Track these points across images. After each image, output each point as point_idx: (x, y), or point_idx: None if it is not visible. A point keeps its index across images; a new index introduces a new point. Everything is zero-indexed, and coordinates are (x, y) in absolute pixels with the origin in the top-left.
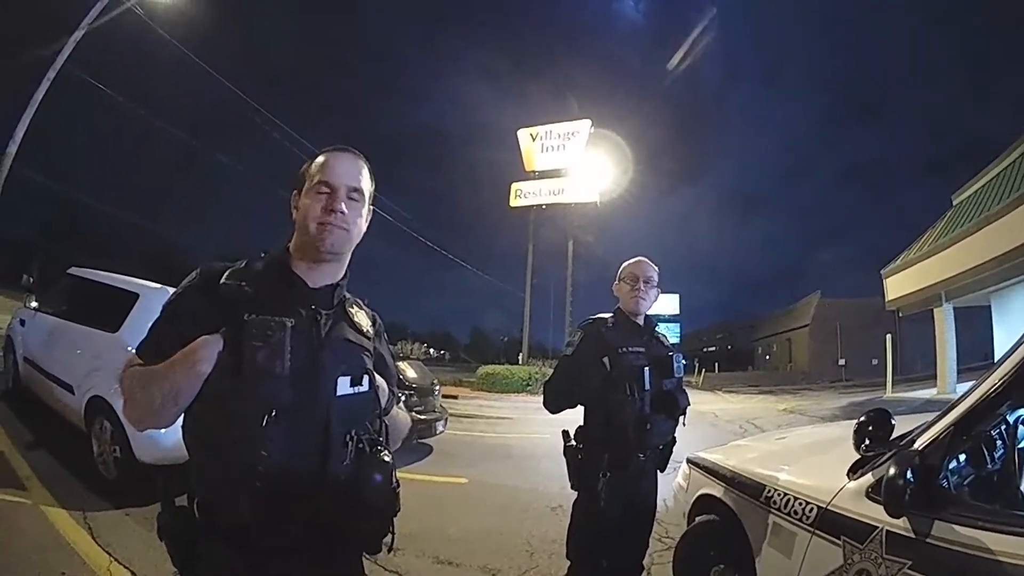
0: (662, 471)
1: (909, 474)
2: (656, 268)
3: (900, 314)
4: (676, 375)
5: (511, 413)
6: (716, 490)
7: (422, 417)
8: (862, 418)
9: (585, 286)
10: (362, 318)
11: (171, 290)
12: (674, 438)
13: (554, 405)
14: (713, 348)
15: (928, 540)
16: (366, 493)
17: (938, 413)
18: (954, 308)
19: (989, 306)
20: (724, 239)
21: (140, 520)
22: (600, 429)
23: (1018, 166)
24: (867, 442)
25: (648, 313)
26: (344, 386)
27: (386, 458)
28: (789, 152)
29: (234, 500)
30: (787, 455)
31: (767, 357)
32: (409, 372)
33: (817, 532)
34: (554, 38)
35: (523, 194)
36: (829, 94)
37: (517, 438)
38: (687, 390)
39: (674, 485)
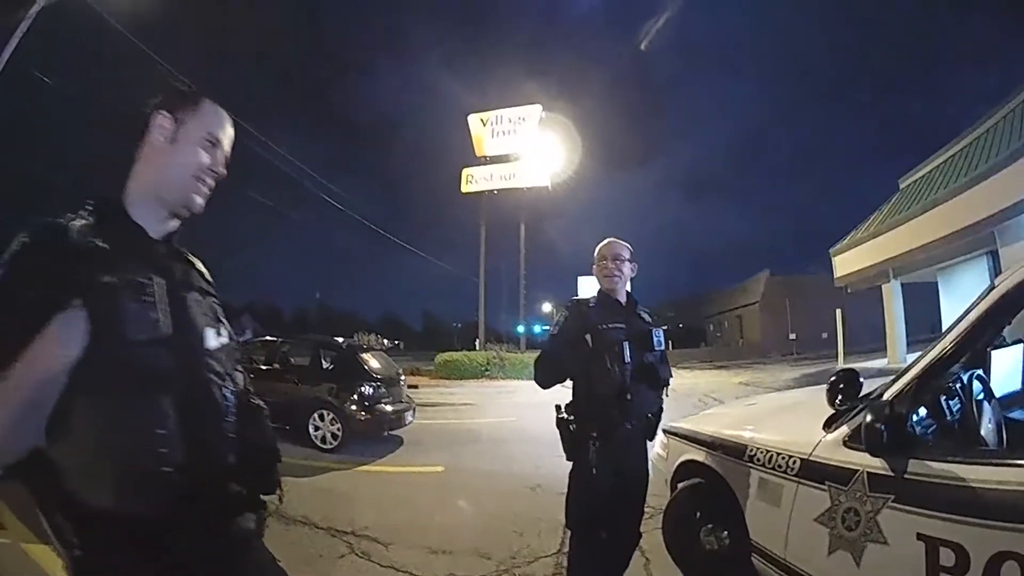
0: (650, 440)
1: (882, 420)
2: (627, 245)
3: (848, 290)
4: (657, 348)
5: (474, 399)
6: (698, 455)
7: (391, 408)
8: (833, 377)
9: (539, 269)
10: (202, 267)
11: None
12: (660, 408)
13: (544, 381)
14: (665, 327)
15: (906, 476)
16: (255, 440)
17: (901, 371)
18: (902, 284)
19: (936, 282)
20: (676, 219)
21: None
22: (587, 402)
23: (965, 154)
24: (839, 398)
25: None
26: (211, 339)
27: (261, 403)
28: (743, 135)
29: (143, 490)
30: (762, 418)
31: (719, 334)
32: (373, 363)
33: (803, 481)
34: (506, 20)
35: (474, 180)
36: (786, 80)
37: (484, 423)
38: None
39: (652, 455)
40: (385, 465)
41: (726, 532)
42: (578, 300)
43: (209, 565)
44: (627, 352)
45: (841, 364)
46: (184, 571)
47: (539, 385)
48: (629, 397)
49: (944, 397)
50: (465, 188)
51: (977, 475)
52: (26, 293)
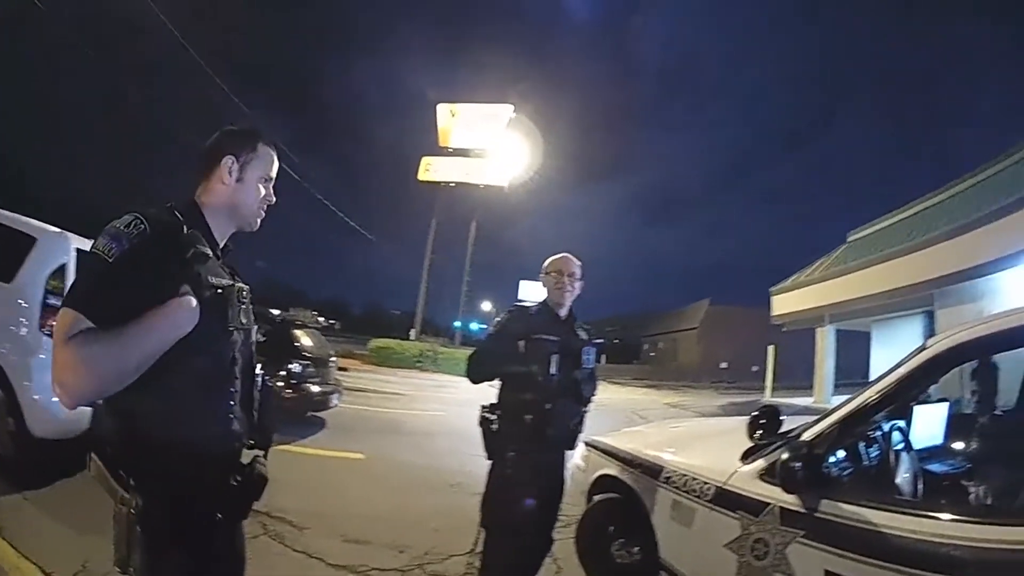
0: (569, 450)
1: (800, 458)
2: (580, 263)
3: (784, 328)
4: (585, 367)
5: (404, 389)
6: (616, 471)
7: (318, 389)
8: (755, 412)
9: (483, 269)
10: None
11: (72, 236)
12: (581, 420)
13: (475, 377)
14: (602, 340)
15: (817, 514)
16: (271, 411)
17: (823, 414)
18: (836, 330)
19: (869, 332)
20: (630, 239)
21: (40, 504)
22: (511, 406)
23: (914, 220)
24: (759, 432)
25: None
26: (255, 334)
27: (268, 382)
28: (706, 170)
29: (216, 452)
30: (682, 441)
31: (653, 353)
32: (305, 340)
33: (716, 508)
34: (492, 20)
35: (433, 169)
36: (756, 122)
37: (412, 415)
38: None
39: (571, 466)
40: (306, 447)
41: (637, 548)
42: (521, 306)
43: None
44: (554, 365)
45: (768, 398)
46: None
47: (469, 379)
48: (549, 407)
49: (863, 444)
50: (422, 176)
51: (888, 521)
52: (147, 268)
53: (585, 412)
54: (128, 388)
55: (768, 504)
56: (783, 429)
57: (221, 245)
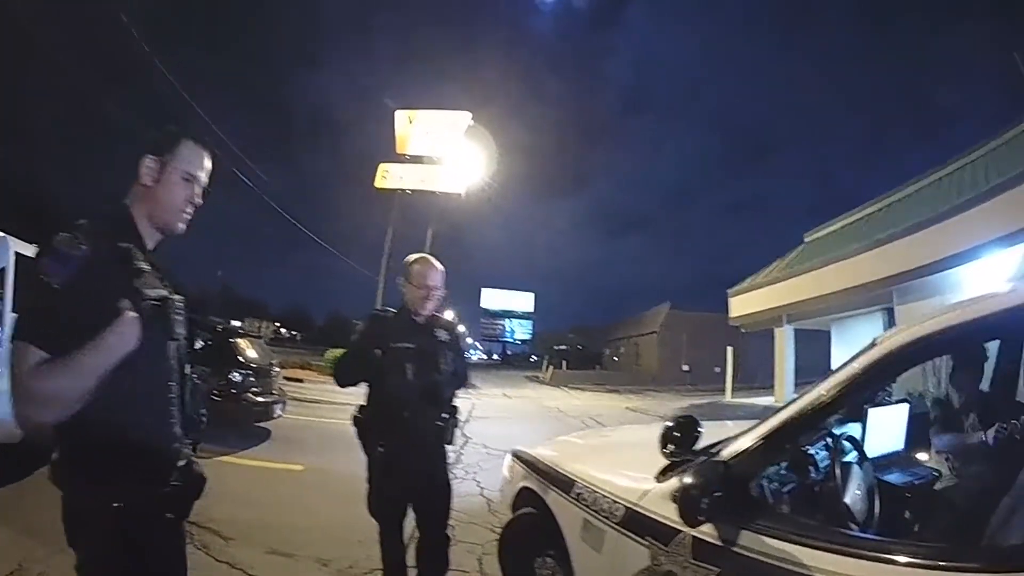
0: (448, 443)
1: (709, 483)
2: (442, 270)
3: (743, 330)
4: (445, 370)
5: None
6: (534, 484)
7: (260, 400)
8: (669, 423)
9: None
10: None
11: (11, 239)
12: (452, 416)
13: (340, 381)
14: (564, 347)
15: (736, 549)
16: (196, 413)
17: (748, 428)
18: (796, 329)
19: (829, 331)
20: (591, 251)
21: None
22: (376, 407)
23: (871, 219)
24: (671, 447)
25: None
26: (195, 342)
27: (198, 381)
28: (668, 183)
29: (158, 455)
30: (604, 452)
31: (615, 359)
32: (248, 351)
33: (624, 531)
34: (455, 29)
35: (390, 176)
36: (717, 137)
37: None
38: (535, 384)
39: (501, 476)
40: (246, 458)
41: (559, 568)
42: (379, 313)
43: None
44: (410, 373)
45: (729, 399)
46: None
47: (337, 384)
48: (407, 415)
49: (797, 461)
50: (379, 183)
51: (825, 564)
52: (88, 288)
53: (453, 408)
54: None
55: (679, 532)
56: (711, 441)
57: (152, 248)
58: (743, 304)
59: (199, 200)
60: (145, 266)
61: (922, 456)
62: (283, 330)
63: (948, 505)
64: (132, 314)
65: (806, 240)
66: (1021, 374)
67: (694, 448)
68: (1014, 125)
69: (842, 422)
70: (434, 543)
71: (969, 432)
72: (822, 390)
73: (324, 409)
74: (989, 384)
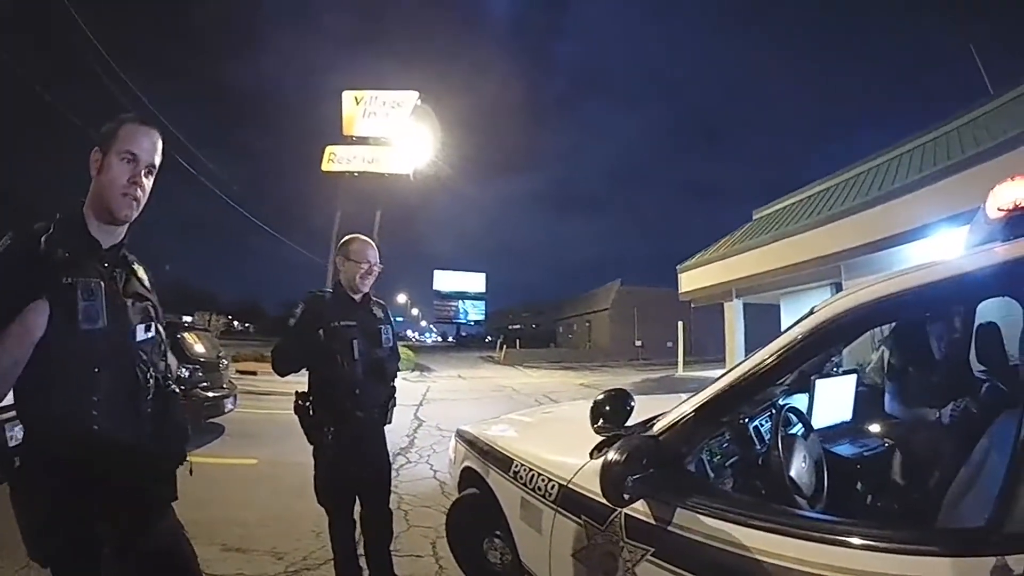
0: (388, 424)
1: (635, 459)
2: (376, 248)
3: (693, 305)
4: (386, 345)
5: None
6: (475, 463)
7: (209, 395)
8: (599, 397)
9: (393, 260)
10: (143, 273)
11: None
12: (392, 395)
13: (280, 370)
14: (519, 326)
15: (671, 528)
16: (168, 418)
17: (681, 401)
18: (745, 304)
19: (778, 305)
20: (543, 229)
21: None
22: (321, 392)
23: (820, 196)
24: (602, 422)
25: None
26: (140, 333)
27: (176, 389)
28: (618, 162)
29: (75, 443)
30: (543, 429)
31: (569, 336)
32: (196, 346)
33: (560, 510)
34: (403, 10)
35: (337, 158)
36: (668, 118)
37: None
38: (490, 364)
39: (448, 456)
40: (199, 455)
41: (507, 548)
42: (316, 294)
43: (128, 517)
44: (356, 349)
45: (681, 372)
46: (103, 518)
47: (276, 373)
48: (358, 391)
49: (741, 433)
50: (326, 166)
51: (766, 545)
52: (8, 286)
53: (394, 388)
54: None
55: (613, 511)
56: (645, 417)
57: (107, 245)
58: (693, 279)
59: (146, 181)
60: (71, 256)
61: (873, 428)
62: (235, 323)
63: (899, 480)
64: (41, 303)
65: (755, 217)
66: (972, 346)
67: (627, 423)
68: (964, 112)
69: (788, 393)
70: (380, 519)
71: (921, 405)
72: (758, 359)
73: (277, 400)
74: (941, 356)
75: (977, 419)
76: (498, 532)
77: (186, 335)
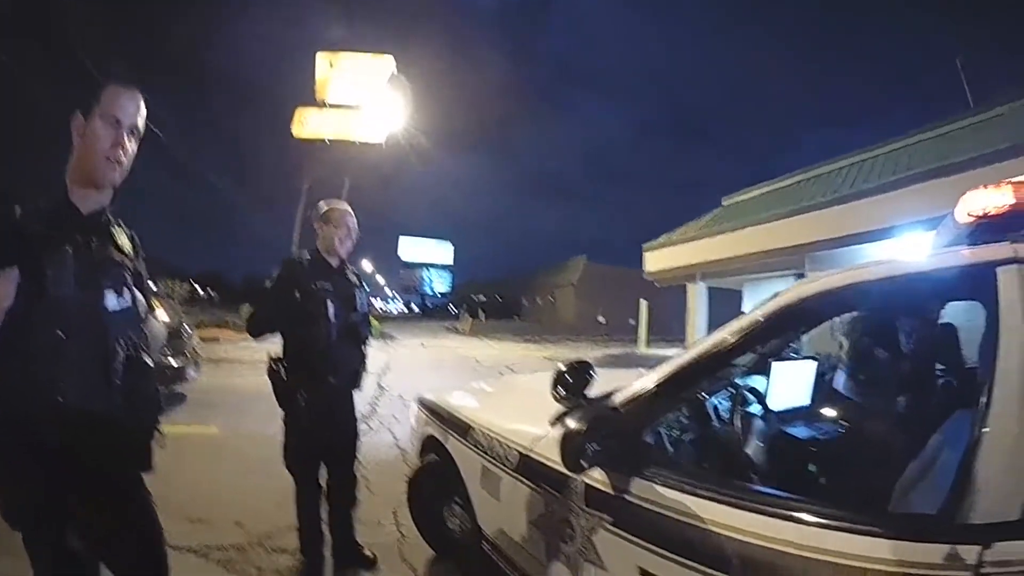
0: (356, 389)
1: (594, 428)
2: (353, 214)
3: (657, 284)
4: (360, 310)
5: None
6: (435, 431)
7: (171, 362)
8: (561, 367)
9: (361, 229)
10: (123, 239)
11: None
12: (363, 361)
13: (255, 331)
14: (484, 298)
15: (629, 498)
16: (140, 389)
17: (644, 375)
18: (709, 287)
19: (741, 291)
20: (512, 205)
21: None
22: (295, 355)
23: (788, 191)
24: (563, 392)
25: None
26: (112, 301)
27: (149, 361)
28: (593, 147)
29: (40, 411)
30: (505, 398)
31: (533, 310)
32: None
33: (520, 478)
34: None
35: (308, 123)
36: (645, 107)
37: None
38: (454, 335)
39: (410, 423)
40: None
41: (467, 516)
42: (292, 259)
43: (98, 487)
44: (332, 311)
45: (642, 349)
46: (72, 488)
47: (250, 335)
48: (331, 353)
49: (700, 409)
50: (296, 131)
51: (720, 517)
52: None
53: (365, 353)
54: None
55: (572, 480)
56: (607, 390)
57: (88, 211)
58: (658, 259)
59: (129, 145)
60: (36, 224)
61: (829, 413)
62: (200, 290)
63: (852, 465)
64: (6, 272)
65: (724, 203)
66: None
67: (588, 394)
68: (939, 123)
69: (747, 375)
70: (346, 485)
71: (878, 396)
72: (720, 338)
73: (240, 368)
74: (903, 351)
75: (932, 414)
76: (458, 499)
77: None
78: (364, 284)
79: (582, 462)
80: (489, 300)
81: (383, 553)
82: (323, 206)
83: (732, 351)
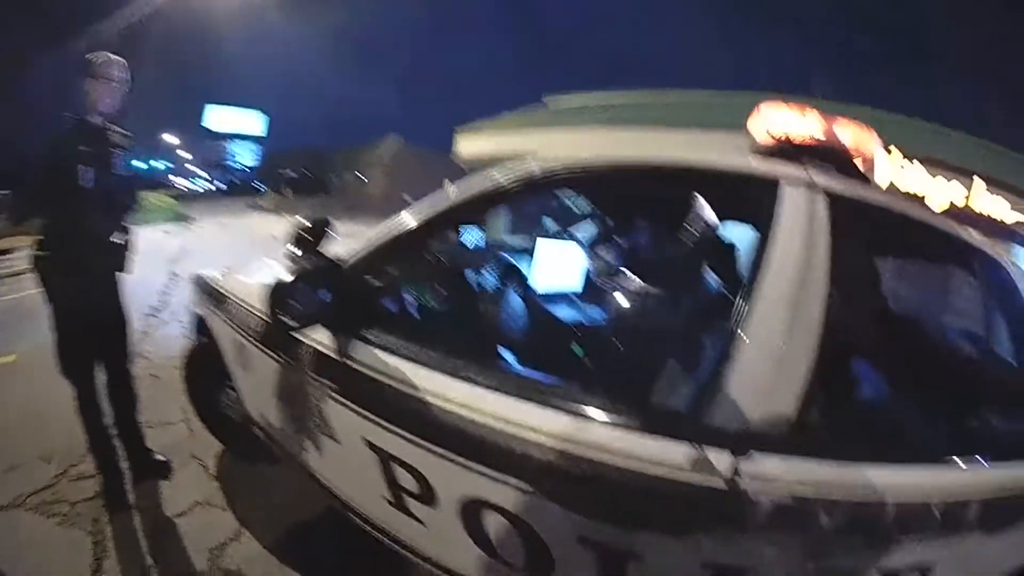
0: (122, 271)
1: (309, 282)
2: (123, 63)
3: (466, 169)
4: (118, 171)
5: None
6: (201, 309)
7: None
8: (301, 221)
9: (157, 92)
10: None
11: None
12: (127, 236)
13: (16, 219)
14: (293, 174)
15: (351, 363)
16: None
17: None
18: None
19: None
20: (326, 74)
21: None
22: (50, 235)
23: (615, 107)
24: (299, 252)
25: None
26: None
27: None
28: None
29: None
30: (261, 263)
31: (341, 186)
32: None
33: (261, 346)
34: None
35: None
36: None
37: None
38: (258, 213)
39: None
40: None
41: (238, 397)
42: (58, 124)
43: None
44: (85, 176)
45: None
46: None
47: (11, 223)
48: (88, 227)
49: (447, 278)
50: None
51: (442, 388)
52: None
53: (128, 227)
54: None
55: (302, 346)
56: (352, 253)
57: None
58: (474, 145)
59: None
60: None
61: (599, 301)
62: None
63: (615, 355)
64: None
65: (546, 101)
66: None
67: (321, 250)
68: None
69: (511, 252)
70: (123, 383)
71: (652, 289)
72: (452, 195)
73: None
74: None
75: (701, 317)
76: (229, 382)
77: None
78: (129, 146)
79: (287, 317)
80: (298, 176)
81: (173, 454)
82: (89, 57)
83: (460, 209)
